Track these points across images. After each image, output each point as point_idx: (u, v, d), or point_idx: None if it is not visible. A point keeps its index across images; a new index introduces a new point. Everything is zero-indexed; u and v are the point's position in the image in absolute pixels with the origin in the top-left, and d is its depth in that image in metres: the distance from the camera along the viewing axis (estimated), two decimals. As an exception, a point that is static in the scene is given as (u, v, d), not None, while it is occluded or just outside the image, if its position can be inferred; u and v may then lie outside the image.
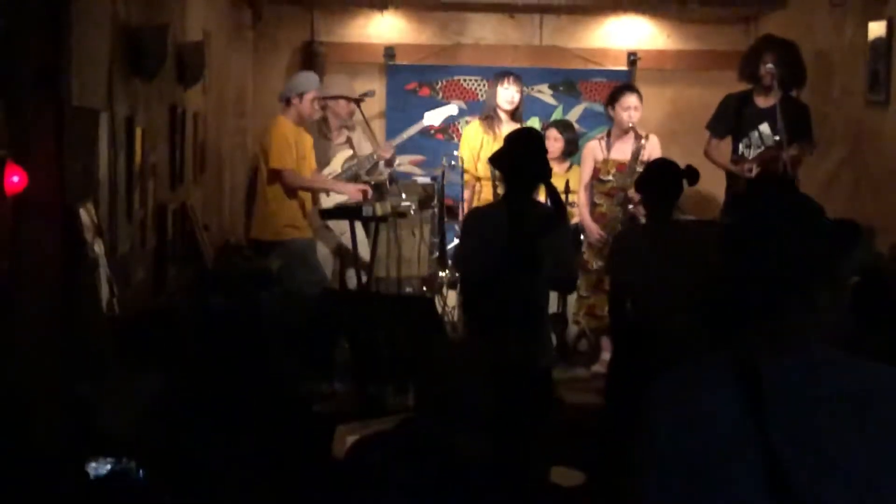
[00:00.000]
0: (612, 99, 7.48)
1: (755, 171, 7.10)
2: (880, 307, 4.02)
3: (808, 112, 7.25)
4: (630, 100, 7.35)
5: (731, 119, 7.39)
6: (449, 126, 9.27)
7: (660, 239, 5.34)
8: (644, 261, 5.31)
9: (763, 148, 7.21)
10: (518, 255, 4.93)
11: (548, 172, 5.21)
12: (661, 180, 5.51)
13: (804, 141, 7.07)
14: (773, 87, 7.05)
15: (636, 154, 7.33)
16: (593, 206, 7.57)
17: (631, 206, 7.18)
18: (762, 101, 7.22)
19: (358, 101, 8.08)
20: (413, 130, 8.30)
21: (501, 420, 3.77)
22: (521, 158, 5.15)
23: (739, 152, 7.35)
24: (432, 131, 9.17)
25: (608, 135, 7.53)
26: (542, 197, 5.61)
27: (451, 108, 8.46)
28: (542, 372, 5.07)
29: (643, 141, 7.35)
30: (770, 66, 7.06)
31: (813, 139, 7.15)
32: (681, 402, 2.02)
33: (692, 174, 5.60)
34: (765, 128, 7.17)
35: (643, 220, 7.06)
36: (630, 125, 7.37)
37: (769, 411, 1.90)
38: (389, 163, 8.06)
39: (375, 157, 8.03)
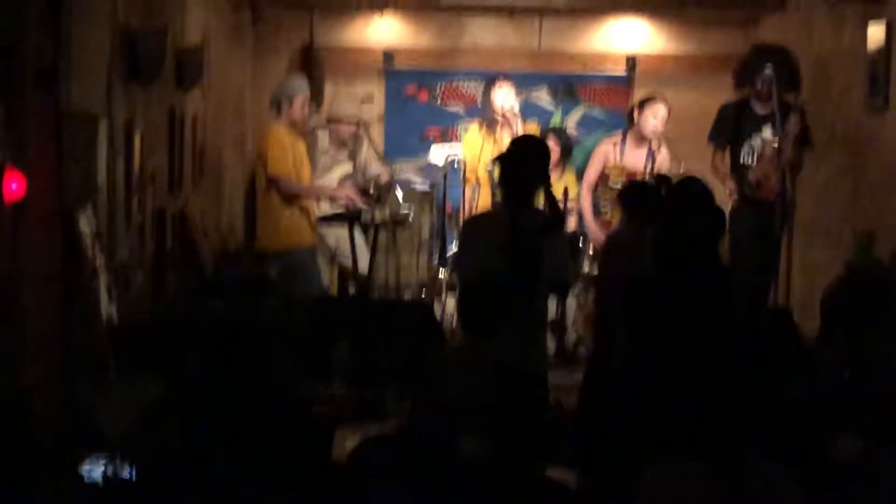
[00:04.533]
0: (642, 104, 7.44)
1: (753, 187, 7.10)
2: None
3: (805, 116, 7.26)
4: (659, 108, 7.33)
5: (731, 128, 7.38)
6: (448, 130, 9.26)
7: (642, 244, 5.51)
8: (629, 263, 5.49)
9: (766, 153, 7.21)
10: (516, 261, 4.95)
11: (547, 180, 5.26)
12: (637, 197, 5.94)
13: (804, 146, 7.06)
14: (771, 94, 7.03)
15: (650, 164, 7.32)
16: (598, 212, 7.54)
17: None
18: (760, 108, 7.21)
19: (357, 124, 8.08)
20: (416, 163, 8.32)
21: (498, 423, 3.77)
22: (522, 164, 5.16)
23: (741, 160, 7.33)
24: (431, 136, 9.17)
25: (623, 139, 7.50)
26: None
27: (457, 154, 8.38)
28: (538, 377, 5.08)
29: (652, 149, 7.36)
30: (767, 73, 7.06)
31: (811, 141, 7.16)
32: None
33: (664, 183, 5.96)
34: (767, 133, 7.16)
35: None
36: (648, 133, 7.36)
37: None
38: (386, 188, 8.10)
39: (377, 178, 8.00)
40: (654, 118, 7.31)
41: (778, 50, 7.36)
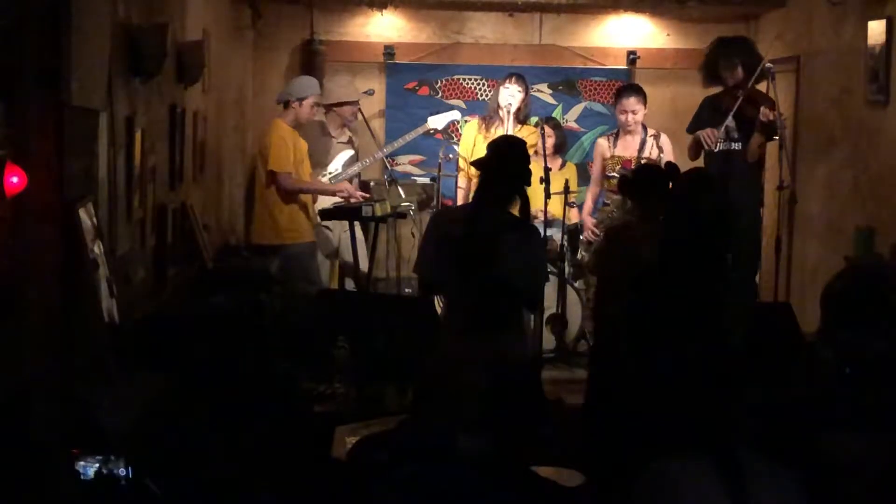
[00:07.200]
0: (615, 99, 7.57)
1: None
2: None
3: (774, 106, 7.42)
4: (627, 102, 7.40)
5: (704, 120, 7.57)
6: (448, 126, 9.27)
7: (651, 236, 5.44)
8: (633, 257, 5.42)
9: (728, 141, 7.38)
10: (474, 258, 4.89)
11: (525, 182, 5.15)
12: (648, 181, 5.67)
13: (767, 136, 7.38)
14: (736, 86, 7.28)
15: (639, 150, 7.37)
16: (603, 204, 7.63)
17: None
18: (728, 101, 7.41)
19: (356, 103, 8.10)
20: (416, 133, 8.33)
21: (486, 420, 3.76)
22: (499, 165, 5.11)
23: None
24: (432, 131, 9.18)
25: (616, 132, 7.60)
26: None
27: (454, 114, 8.48)
28: (517, 374, 5.03)
29: (647, 137, 7.40)
30: (728, 67, 7.33)
31: (776, 132, 7.37)
32: None
33: (673, 171, 5.81)
34: (731, 122, 7.37)
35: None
36: (628, 127, 7.41)
37: None
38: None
39: (375, 157, 8.12)
40: (621, 112, 7.42)
41: (737, 43, 7.57)
